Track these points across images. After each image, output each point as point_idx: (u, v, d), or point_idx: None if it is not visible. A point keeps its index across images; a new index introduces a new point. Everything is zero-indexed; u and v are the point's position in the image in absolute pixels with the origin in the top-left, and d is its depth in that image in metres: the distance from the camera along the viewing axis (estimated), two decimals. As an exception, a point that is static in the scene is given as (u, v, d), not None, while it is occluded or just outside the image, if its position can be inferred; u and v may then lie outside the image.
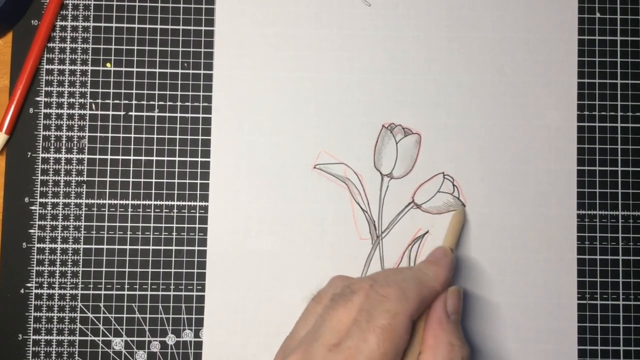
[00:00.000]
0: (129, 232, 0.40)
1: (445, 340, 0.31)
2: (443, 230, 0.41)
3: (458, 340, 0.32)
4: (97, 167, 0.41)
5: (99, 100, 0.41)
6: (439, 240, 0.41)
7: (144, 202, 0.40)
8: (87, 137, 0.41)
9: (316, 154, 0.41)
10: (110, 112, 0.41)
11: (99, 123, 0.41)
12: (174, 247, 0.40)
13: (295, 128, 0.41)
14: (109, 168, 0.41)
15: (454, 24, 0.42)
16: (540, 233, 0.41)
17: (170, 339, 0.40)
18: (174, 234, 0.40)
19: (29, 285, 0.40)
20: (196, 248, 0.40)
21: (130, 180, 0.41)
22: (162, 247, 0.40)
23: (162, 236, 0.40)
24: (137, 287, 0.40)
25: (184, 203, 0.41)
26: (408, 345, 0.31)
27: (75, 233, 0.40)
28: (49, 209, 0.40)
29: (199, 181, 0.41)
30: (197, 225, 0.40)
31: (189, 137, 0.41)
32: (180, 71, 0.41)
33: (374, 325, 0.30)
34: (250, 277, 0.40)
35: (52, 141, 0.41)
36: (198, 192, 0.41)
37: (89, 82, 0.41)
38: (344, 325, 0.31)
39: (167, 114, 0.41)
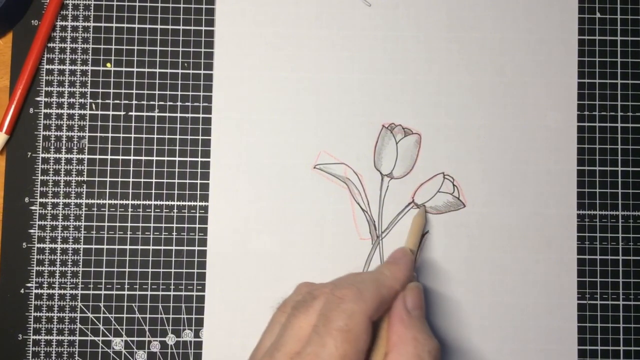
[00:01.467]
0: (129, 232, 0.40)
1: (409, 336, 0.31)
2: (443, 230, 0.41)
3: (422, 334, 0.31)
4: (97, 167, 0.41)
5: (99, 100, 0.41)
6: (439, 240, 0.41)
7: (144, 202, 0.40)
8: (87, 137, 0.41)
9: (316, 154, 0.41)
10: (110, 112, 0.41)
11: (99, 123, 0.41)
12: (174, 247, 0.40)
13: (295, 128, 0.41)
14: (109, 168, 0.41)
15: (454, 24, 0.42)
16: (540, 233, 0.41)
17: (170, 339, 0.40)
18: (174, 234, 0.40)
19: (29, 285, 0.40)
20: (196, 248, 0.40)
21: (130, 180, 0.41)
22: (162, 247, 0.40)
23: (162, 236, 0.40)
24: (137, 287, 0.40)
25: (184, 203, 0.41)
26: (373, 347, 0.31)
27: (75, 233, 0.40)
28: (49, 209, 0.40)
29: (199, 181, 0.41)
30: (197, 225, 0.40)
31: (189, 137, 0.41)
32: (180, 71, 0.41)
33: (330, 328, 0.29)
34: (250, 277, 0.40)
35: (52, 141, 0.41)
36: (198, 192, 0.41)
37: (89, 82, 0.41)
38: (305, 332, 0.30)
39: (167, 114, 0.41)
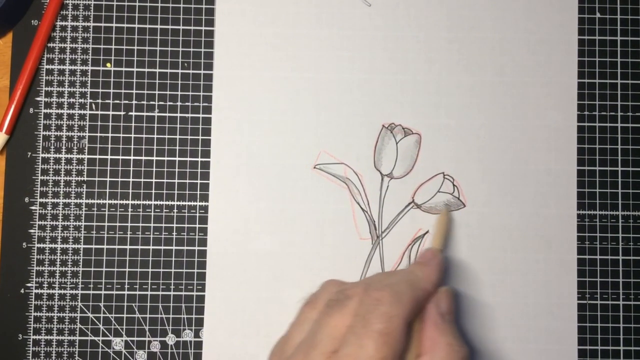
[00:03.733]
0: (129, 232, 0.40)
1: (443, 342, 0.31)
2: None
3: (456, 341, 0.32)
4: (97, 167, 0.41)
5: (99, 100, 0.41)
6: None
7: (144, 202, 0.40)
8: (87, 137, 0.41)
9: (316, 154, 0.41)
10: (110, 112, 0.41)
11: (99, 123, 0.41)
12: (174, 247, 0.40)
13: (295, 128, 0.41)
14: (109, 168, 0.41)
15: (454, 24, 0.42)
16: (540, 233, 0.41)
17: (170, 339, 0.40)
18: (174, 234, 0.40)
19: (29, 285, 0.40)
20: (196, 248, 0.40)
21: (130, 180, 0.41)
22: (162, 247, 0.40)
23: (162, 236, 0.40)
24: (137, 287, 0.40)
25: (184, 203, 0.41)
26: (405, 348, 0.31)
27: (75, 233, 0.40)
28: (49, 209, 0.40)
29: (199, 181, 0.41)
30: (197, 225, 0.40)
31: (189, 137, 0.41)
32: (180, 71, 0.41)
33: (370, 330, 0.29)
34: (250, 277, 0.40)
35: (52, 141, 0.41)
36: (198, 192, 0.41)
37: (89, 82, 0.41)
38: (340, 332, 0.30)
39: (167, 114, 0.41)
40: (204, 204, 0.41)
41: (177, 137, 0.41)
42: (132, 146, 0.41)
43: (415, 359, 0.31)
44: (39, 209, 0.40)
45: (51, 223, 0.40)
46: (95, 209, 0.40)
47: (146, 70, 0.41)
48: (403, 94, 0.41)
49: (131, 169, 0.41)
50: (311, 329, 0.32)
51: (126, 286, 0.40)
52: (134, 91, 0.41)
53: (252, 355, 0.40)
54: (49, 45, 0.41)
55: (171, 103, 0.41)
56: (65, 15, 0.41)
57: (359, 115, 0.41)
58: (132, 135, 0.41)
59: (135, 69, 0.41)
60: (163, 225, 0.40)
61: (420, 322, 0.33)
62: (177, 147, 0.41)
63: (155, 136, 0.41)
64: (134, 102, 0.41)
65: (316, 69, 0.41)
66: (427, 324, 0.32)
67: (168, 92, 0.41)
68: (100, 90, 0.41)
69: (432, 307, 0.33)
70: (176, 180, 0.41)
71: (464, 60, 0.42)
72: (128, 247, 0.40)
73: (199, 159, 0.41)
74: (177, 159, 0.41)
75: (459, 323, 0.40)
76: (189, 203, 0.41)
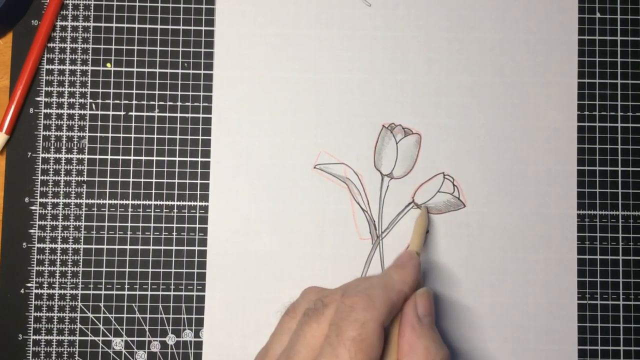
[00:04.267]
0: (129, 232, 0.40)
1: (420, 346, 0.31)
2: (443, 230, 0.41)
3: (433, 343, 0.31)
4: (97, 167, 0.41)
5: (99, 100, 0.41)
6: (439, 240, 0.41)
7: (144, 202, 0.40)
8: (87, 137, 0.41)
9: (316, 154, 0.41)
10: (110, 112, 0.41)
11: (99, 123, 0.41)
12: (174, 247, 0.40)
13: (295, 128, 0.41)
14: (109, 168, 0.41)
15: (454, 24, 0.42)
16: (540, 233, 0.41)
17: (170, 339, 0.40)
18: (174, 234, 0.40)
19: (29, 285, 0.40)
20: (196, 248, 0.40)
21: (130, 180, 0.41)
22: (162, 247, 0.40)
23: (162, 236, 0.40)
24: (137, 287, 0.40)
25: (184, 203, 0.41)
26: (383, 353, 0.31)
27: (75, 233, 0.40)
28: (49, 209, 0.40)
29: (199, 181, 0.41)
30: (197, 225, 0.40)
31: (189, 137, 0.41)
32: (180, 71, 0.41)
33: (343, 338, 0.29)
34: (250, 278, 0.40)
35: (52, 141, 0.41)
36: (198, 192, 0.41)
37: (89, 82, 0.41)
38: (317, 342, 0.30)
39: (167, 114, 0.41)
40: (204, 204, 0.41)
41: (177, 137, 0.41)
42: (132, 146, 0.41)
43: None
44: (39, 209, 0.40)
45: (51, 223, 0.40)
46: (95, 209, 0.40)
47: (146, 70, 0.41)
48: (403, 94, 0.41)
49: (131, 169, 0.41)
50: (290, 340, 0.31)
51: (126, 286, 0.40)
52: (134, 91, 0.41)
53: (252, 355, 0.40)
54: (49, 45, 0.41)
55: (171, 103, 0.41)
56: (65, 15, 0.41)
57: (359, 115, 0.41)
58: (132, 135, 0.41)
59: (135, 69, 0.41)
60: (163, 225, 0.40)
61: (398, 326, 0.32)
62: (177, 147, 0.41)
63: (155, 136, 0.41)
64: (134, 102, 0.41)
65: (316, 69, 0.41)
66: (404, 327, 0.32)
67: (168, 92, 0.41)
68: (100, 90, 0.41)
69: (409, 310, 0.33)
70: (176, 180, 0.41)
71: (464, 60, 0.42)
72: (128, 247, 0.40)
73: (199, 159, 0.41)
74: (177, 159, 0.41)
75: (455, 323, 0.40)
76: (189, 203, 0.41)
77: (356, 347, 0.29)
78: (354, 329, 0.29)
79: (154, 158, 0.41)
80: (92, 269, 0.40)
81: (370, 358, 0.29)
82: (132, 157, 0.41)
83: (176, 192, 0.41)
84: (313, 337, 0.30)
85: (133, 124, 0.41)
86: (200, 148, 0.41)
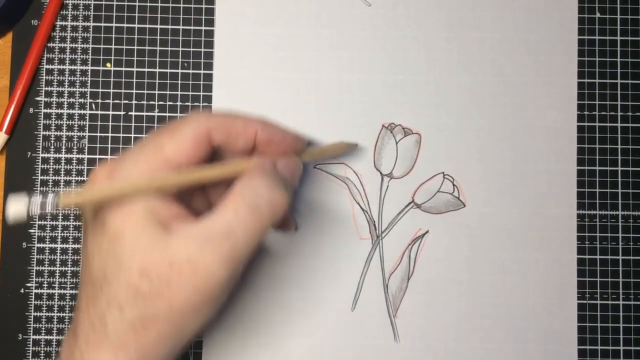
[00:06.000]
0: (129, 232, 0.40)
1: (256, 184, 0.31)
2: (443, 230, 0.41)
3: (275, 186, 0.31)
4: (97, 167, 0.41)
5: (99, 100, 0.41)
6: (439, 240, 0.41)
7: (144, 202, 0.40)
8: (87, 137, 0.41)
9: (316, 154, 0.41)
10: (110, 112, 0.41)
11: (99, 123, 0.41)
12: (174, 247, 0.40)
13: (295, 128, 0.41)
14: (109, 168, 0.41)
15: (454, 24, 0.42)
16: (540, 233, 0.41)
17: (170, 339, 0.40)
18: (174, 234, 0.40)
19: (29, 285, 0.40)
20: (196, 248, 0.40)
21: (130, 180, 0.41)
22: (162, 247, 0.40)
23: (162, 236, 0.40)
24: (137, 287, 0.40)
25: (184, 203, 0.40)
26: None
27: (75, 233, 0.40)
28: (49, 209, 0.40)
29: (199, 181, 0.41)
30: (197, 225, 0.40)
31: (189, 137, 0.41)
32: (180, 71, 0.41)
33: None
34: (250, 278, 0.40)
35: (52, 141, 0.41)
36: (198, 192, 0.40)
37: (89, 82, 0.41)
38: None
39: (167, 114, 0.41)
40: (204, 204, 0.40)
41: (177, 137, 0.41)
42: (132, 146, 0.41)
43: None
44: (39, 209, 0.40)
45: (51, 223, 0.40)
46: (95, 209, 0.40)
47: (146, 70, 0.41)
48: (403, 94, 0.41)
49: (131, 169, 0.41)
50: None
51: (126, 286, 0.40)
52: (134, 91, 0.41)
53: (252, 355, 0.40)
54: (49, 45, 0.41)
55: (171, 103, 0.41)
56: (65, 15, 0.41)
57: (359, 115, 0.41)
58: (132, 135, 0.41)
59: (135, 69, 0.41)
60: (163, 225, 0.40)
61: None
62: (177, 147, 0.41)
63: (155, 136, 0.41)
64: (134, 102, 0.41)
65: (316, 69, 0.41)
66: (253, 168, 0.32)
67: (168, 92, 0.41)
68: (100, 90, 0.41)
69: (266, 159, 0.33)
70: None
71: (464, 60, 0.42)
72: (128, 247, 0.40)
73: (199, 159, 0.41)
74: (177, 159, 0.41)
75: (455, 323, 0.40)
76: (189, 203, 0.40)
77: (169, 131, 0.32)
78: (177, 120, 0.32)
79: (154, 158, 0.41)
80: (92, 269, 0.40)
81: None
82: (132, 157, 0.41)
83: (176, 192, 0.41)
84: None
85: (133, 124, 0.41)
86: (200, 148, 0.41)
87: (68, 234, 0.40)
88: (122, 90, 0.41)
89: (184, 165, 0.31)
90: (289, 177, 0.34)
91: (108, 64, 0.41)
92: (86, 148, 0.41)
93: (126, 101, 0.41)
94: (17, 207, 0.29)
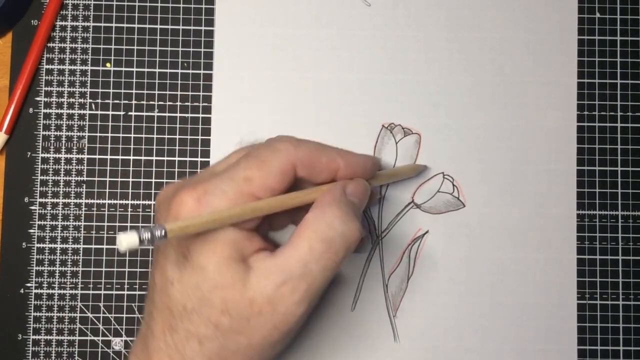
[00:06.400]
0: (129, 232, 0.40)
1: (329, 213, 0.31)
2: (443, 230, 0.41)
3: (346, 216, 0.31)
4: (96, 167, 0.41)
5: (99, 100, 0.41)
6: (439, 240, 0.41)
7: (144, 202, 0.40)
8: (87, 137, 0.41)
9: (316, 154, 0.41)
10: (110, 112, 0.41)
11: (99, 123, 0.41)
12: (174, 247, 0.40)
13: (295, 128, 0.41)
14: (109, 168, 0.41)
15: (454, 24, 0.42)
16: (540, 233, 0.41)
17: (170, 339, 0.40)
18: (174, 234, 0.40)
19: (29, 285, 0.40)
20: (196, 248, 0.40)
21: (130, 180, 0.41)
22: (162, 247, 0.40)
23: (162, 236, 0.40)
24: (137, 287, 0.40)
25: (184, 203, 0.40)
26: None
27: (75, 233, 0.40)
28: (49, 209, 0.40)
29: (199, 181, 0.41)
30: (197, 225, 0.40)
31: (188, 137, 0.41)
32: (180, 71, 0.41)
33: (251, 154, 0.33)
34: (250, 277, 0.40)
35: (52, 141, 0.41)
36: (198, 192, 0.40)
37: (89, 82, 0.41)
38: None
39: (167, 114, 0.41)
40: (204, 204, 0.40)
41: (177, 137, 0.41)
42: (132, 146, 0.41)
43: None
44: (39, 209, 0.40)
45: (51, 223, 0.40)
46: (95, 209, 0.40)
47: (146, 70, 0.41)
48: (403, 94, 0.41)
49: (131, 169, 0.41)
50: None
51: (126, 286, 0.40)
52: (134, 91, 0.41)
53: (252, 355, 0.40)
54: (48, 45, 0.41)
55: (171, 103, 0.41)
56: (65, 15, 0.41)
57: (359, 115, 0.41)
58: (132, 135, 0.41)
59: (135, 69, 0.41)
60: (163, 225, 0.40)
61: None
62: (177, 147, 0.41)
63: (155, 136, 0.41)
64: (133, 102, 0.41)
65: (316, 69, 0.41)
66: (325, 194, 0.32)
67: (168, 92, 0.41)
68: (100, 90, 0.41)
69: (337, 185, 0.33)
70: (176, 180, 0.41)
71: (464, 60, 0.42)
72: (128, 247, 0.40)
73: (199, 159, 0.41)
74: (176, 159, 0.41)
75: (455, 323, 0.40)
76: (189, 203, 0.40)
77: (257, 163, 0.31)
78: (263, 147, 0.33)
79: (154, 158, 0.41)
80: (92, 269, 0.40)
81: (264, 171, 0.31)
82: (131, 157, 0.41)
83: (176, 192, 0.41)
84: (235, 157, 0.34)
85: (133, 124, 0.41)
86: (200, 148, 0.41)
87: (68, 234, 0.40)
88: (122, 90, 0.41)
89: (267, 197, 0.32)
90: (358, 202, 0.34)
91: (108, 64, 0.41)
92: (86, 148, 0.41)
93: (126, 101, 0.41)
94: (130, 240, 0.28)
